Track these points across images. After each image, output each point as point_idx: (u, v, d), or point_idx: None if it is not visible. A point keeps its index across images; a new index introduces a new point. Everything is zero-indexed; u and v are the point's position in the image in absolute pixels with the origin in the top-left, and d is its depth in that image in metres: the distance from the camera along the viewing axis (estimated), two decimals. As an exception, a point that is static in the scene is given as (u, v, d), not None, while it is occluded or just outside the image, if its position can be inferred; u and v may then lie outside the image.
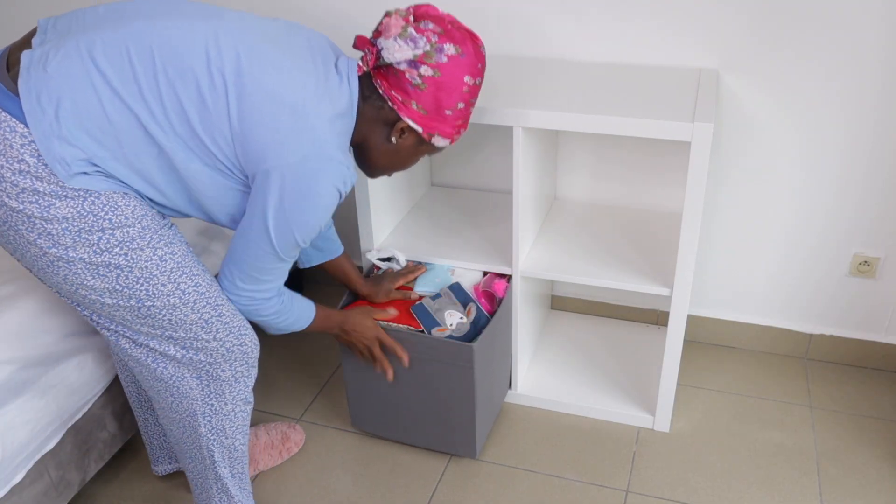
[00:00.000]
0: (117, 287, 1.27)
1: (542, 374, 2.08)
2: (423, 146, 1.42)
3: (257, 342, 1.46)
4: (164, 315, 1.33)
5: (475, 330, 1.73)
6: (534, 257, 1.87)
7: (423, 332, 1.69)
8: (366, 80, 1.35)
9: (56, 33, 1.23)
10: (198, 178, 1.27)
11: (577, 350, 2.17)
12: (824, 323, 2.12)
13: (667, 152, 2.01)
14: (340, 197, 1.32)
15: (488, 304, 1.79)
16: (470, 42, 1.32)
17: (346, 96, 1.31)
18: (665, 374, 1.84)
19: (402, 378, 1.76)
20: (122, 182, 1.24)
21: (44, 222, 1.19)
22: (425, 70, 1.29)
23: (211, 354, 1.40)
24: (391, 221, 2.00)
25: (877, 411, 1.98)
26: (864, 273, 2.01)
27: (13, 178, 1.16)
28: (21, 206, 1.18)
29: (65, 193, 1.18)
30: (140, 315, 1.32)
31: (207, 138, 1.23)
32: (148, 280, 1.29)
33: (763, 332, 2.18)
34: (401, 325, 1.71)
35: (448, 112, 1.35)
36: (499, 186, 2.21)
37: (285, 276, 1.42)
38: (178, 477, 1.85)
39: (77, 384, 1.58)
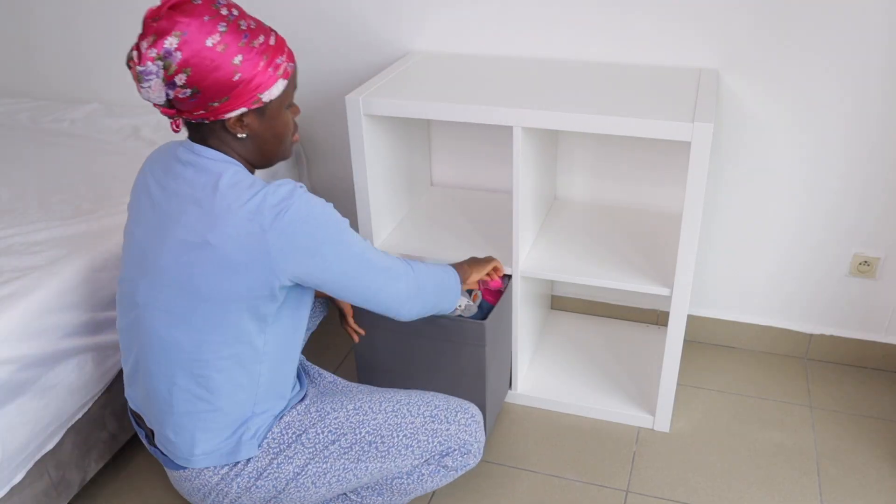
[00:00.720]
0: (350, 450, 1.39)
1: (542, 374, 2.08)
2: (269, 109, 1.27)
3: (473, 406, 1.51)
4: (398, 440, 1.41)
5: (482, 314, 1.76)
6: (534, 257, 1.87)
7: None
8: (189, 128, 1.29)
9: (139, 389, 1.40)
10: (274, 335, 1.34)
11: (577, 350, 2.17)
12: (824, 323, 2.12)
13: (667, 152, 2.01)
14: (303, 188, 1.27)
15: (492, 298, 1.81)
16: (178, 15, 1.16)
17: (211, 157, 1.26)
18: (665, 374, 1.84)
19: (412, 359, 1.79)
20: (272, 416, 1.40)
21: (256, 479, 1.37)
22: (179, 79, 1.17)
23: (454, 439, 1.45)
24: (391, 221, 2.00)
25: (877, 411, 1.98)
26: (864, 273, 2.01)
27: (225, 490, 1.37)
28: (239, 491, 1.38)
29: (251, 456, 1.37)
30: (384, 453, 1.40)
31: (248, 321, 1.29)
32: (361, 424, 1.40)
33: (763, 332, 2.18)
34: None
35: (237, 76, 1.19)
36: (499, 186, 2.21)
37: (384, 253, 1.38)
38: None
39: (77, 384, 1.58)
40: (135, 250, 1.31)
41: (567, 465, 1.84)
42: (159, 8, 1.18)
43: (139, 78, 1.18)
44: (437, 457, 1.44)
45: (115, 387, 1.72)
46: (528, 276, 1.84)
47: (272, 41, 1.24)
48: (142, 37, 1.17)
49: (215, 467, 1.36)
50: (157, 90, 1.19)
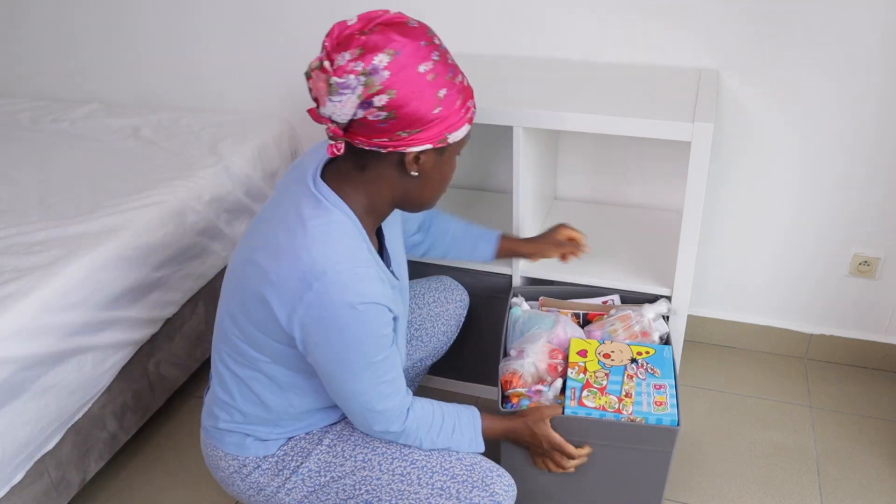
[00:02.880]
0: (346, 502, 1.33)
1: (542, 374, 2.07)
2: (447, 151, 1.19)
3: (511, 481, 1.34)
4: None
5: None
6: (534, 257, 1.87)
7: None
8: (350, 153, 1.17)
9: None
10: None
11: (577, 350, 2.17)
12: (824, 323, 2.12)
13: (667, 152, 2.01)
14: (370, 303, 1.15)
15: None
16: (394, 33, 1.08)
17: (333, 212, 1.18)
18: (665, 374, 1.83)
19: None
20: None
21: (257, 494, 1.37)
22: (379, 100, 1.07)
23: None
24: (391, 221, 2.00)
25: (877, 411, 1.98)
26: (864, 273, 2.01)
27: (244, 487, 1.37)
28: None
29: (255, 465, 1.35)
30: None
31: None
32: (364, 480, 1.30)
33: (763, 332, 2.18)
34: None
35: (437, 110, 1.11)
36: (499, 186, 2.21)
37: (401, 382, 1.26)
38: (177, 477, 1.85)
39: (77, 384, 1.58)
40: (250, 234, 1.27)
41: (567, 465, 1.84)
42: (374, 19, 1.09)
43: (333, 90, 1.06)
44: None
45: (114, 387, 1.71)
46: (529, 276, 1.84)
47: (466, 82, 1.17)
48: (339, 47, 1.06)
49: (226, 454, 1.37)
50: (348, 107, 1.07)
